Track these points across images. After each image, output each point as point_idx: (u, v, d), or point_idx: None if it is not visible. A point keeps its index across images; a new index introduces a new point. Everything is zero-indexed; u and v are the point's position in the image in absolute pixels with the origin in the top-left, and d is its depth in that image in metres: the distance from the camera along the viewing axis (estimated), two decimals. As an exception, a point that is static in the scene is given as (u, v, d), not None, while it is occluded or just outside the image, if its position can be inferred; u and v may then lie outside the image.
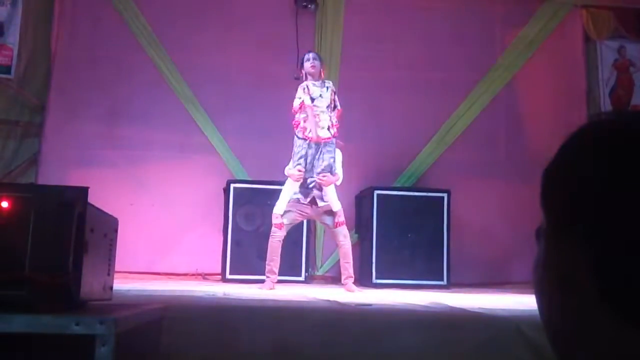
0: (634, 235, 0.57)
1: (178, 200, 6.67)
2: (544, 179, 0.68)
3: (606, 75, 7.70)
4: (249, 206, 6.01)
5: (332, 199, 5.10)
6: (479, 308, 3.40)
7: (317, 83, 5.17)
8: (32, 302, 1.68)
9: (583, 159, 0.64)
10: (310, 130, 5.03)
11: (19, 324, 1.58)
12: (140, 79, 6.86)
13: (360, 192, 6.51)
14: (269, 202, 5.63)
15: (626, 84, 7.74)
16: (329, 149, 5.08)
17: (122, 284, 4.16)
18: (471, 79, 7.29)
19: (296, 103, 5.12)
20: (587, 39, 7.67)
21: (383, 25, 7.26)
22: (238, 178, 6.54)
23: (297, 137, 5.10)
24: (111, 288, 2.30)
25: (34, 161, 6.69)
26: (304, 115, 5.08)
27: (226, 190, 6.10)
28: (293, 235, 5.70)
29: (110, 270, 2.26)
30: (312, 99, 5.09)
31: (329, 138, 5.08)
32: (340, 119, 5.24)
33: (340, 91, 7.03)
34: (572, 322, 0.63)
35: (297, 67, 5.42)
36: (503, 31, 7.53)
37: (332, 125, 5.12)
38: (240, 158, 6.86)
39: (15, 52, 6.81)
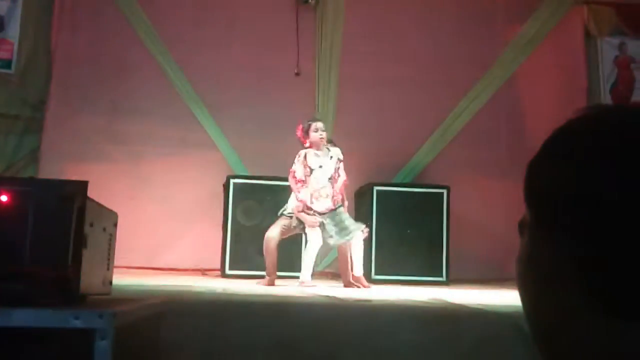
0: (618, 230, 0.57)
1: (178, 195, 6.68)
2: (528, 172, 0.67)
3: (607, 71, 7.69)
4: (249, 202, 6.00)
5: (351, 225, 4.85)
6: (478, 304, 3.40)
7: (319, 152, 4.97)
8: (32, 296, 1.68)
9: (567, 154, 0.63)
10: (312, 203, 4.84)
11: (18, 318, 1.59)
12: (140, 74, 6.86)
13: (360, 188, 6.50)
14: (268, 198, 5.63)
15: (627, 80, 7.73)
16: (339, 212, 4.87)
17: (122, 279, 4.15)
18: (472, 75, 7.28)
19: (298, 173, 4.90)
20: (587, 35, 7.66)
21: (383, 21, 7.25)
22: (238, 173, 6.54)
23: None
24: (110, 282, 2.30)
25: (35, 156, 6.69)
26: (303, 187, 4.87)
27: (226, 186, 6.09)
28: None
29: (109, 265, 2.26)
30: (311, 170, 4.91)
31: (334, 208, 4.88)
32: (345, 189, 5.06)
33: (340, 87, 7.07)
34: (555, 316, 0.63)
35: (297, 65, 5.26)
36: (504, 27, 7.53)
37: (335, 194, 4.90)
38: (240, 154, 6.86)
39: (16, 47, 6.80)
